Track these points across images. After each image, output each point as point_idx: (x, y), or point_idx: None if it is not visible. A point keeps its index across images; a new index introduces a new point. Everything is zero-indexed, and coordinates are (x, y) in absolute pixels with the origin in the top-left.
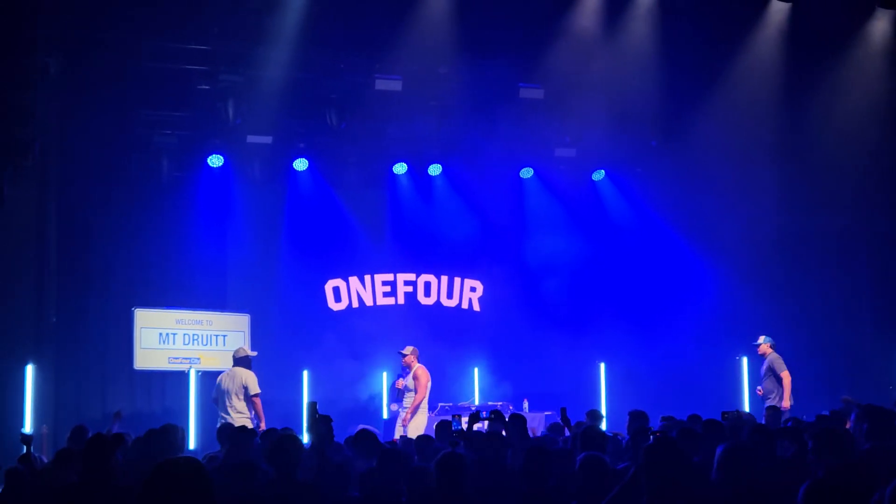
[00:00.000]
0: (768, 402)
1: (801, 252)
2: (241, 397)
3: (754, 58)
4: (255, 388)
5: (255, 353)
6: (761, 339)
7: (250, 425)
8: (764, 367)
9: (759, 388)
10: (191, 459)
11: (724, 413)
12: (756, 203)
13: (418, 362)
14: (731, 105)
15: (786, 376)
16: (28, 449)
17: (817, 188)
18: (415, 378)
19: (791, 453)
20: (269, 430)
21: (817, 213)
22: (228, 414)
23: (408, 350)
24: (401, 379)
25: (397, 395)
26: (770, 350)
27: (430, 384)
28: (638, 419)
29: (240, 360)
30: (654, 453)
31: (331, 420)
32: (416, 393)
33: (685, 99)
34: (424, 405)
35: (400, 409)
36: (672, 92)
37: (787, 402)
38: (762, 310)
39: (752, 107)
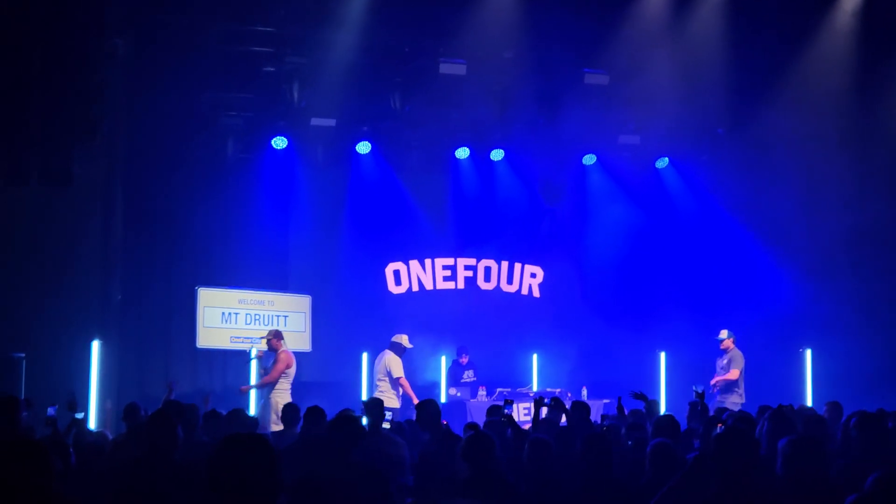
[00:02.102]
0: (722, 397)
1: (871, 245)
2: (385, 379)
3: (825, 46)
4: (397, 372)
5: (411, 346)
6: (724, 333)
7: (393, 404)
8: (725, 360)
9: (715, 380)
10: (257, 435)
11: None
12: (824, 195)
13: (283, 347)
14: (801, 94)
15: (734, 374)
16: (73, 419)
17: (888, 181)
18: (276, 361)
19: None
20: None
21: (889, 206)
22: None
23: (269, 334)
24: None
25: (452, 380)
26: (733, 345)
27: (289, 370)
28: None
29: (393, 346)
30: (725, 442)
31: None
32: (267, 375)
33: (753, 86)
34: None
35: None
36: (740, 79)
37: (739, 398)
38: (828, 303)
39: (823, 96)
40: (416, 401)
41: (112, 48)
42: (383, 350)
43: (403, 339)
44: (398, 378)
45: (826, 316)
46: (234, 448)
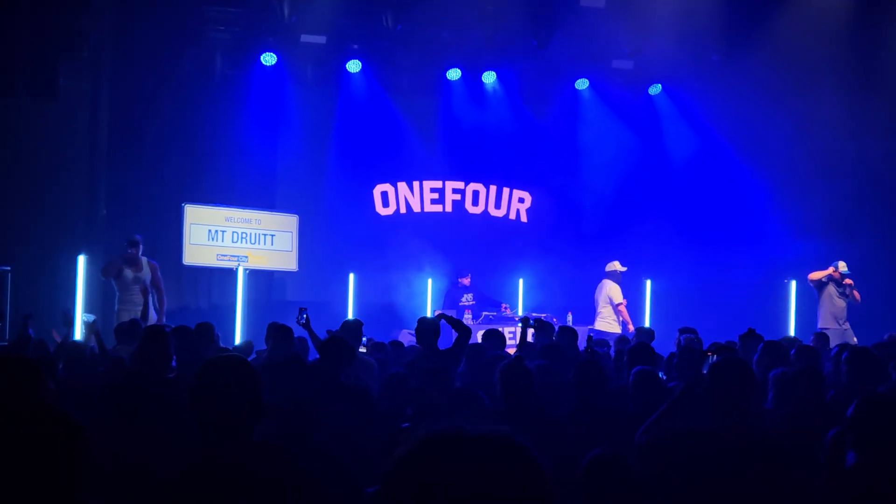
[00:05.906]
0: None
1: (873, 180)
2: (608, 306)
3: None
4: (617, 298)
5: (625, 269)
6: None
7: (614, 330)
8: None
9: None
10: (237, 357)
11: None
12: (823, 127)
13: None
14: (802, 21)
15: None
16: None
17: (890, 112)
18: (160, 276)
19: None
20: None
21: (888, 136)
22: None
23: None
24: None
25: (450, 302)
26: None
27: None
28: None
29: (608, 274)
30: (720, 372)
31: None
32: (161, 291)
33: (749, 12)
34: None
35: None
36: (736, 4)
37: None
38: (818, 234)
39: (825, 24)
40: (631, 327)
41: None
42: (601, 280)
43: (616, 265)
44: (618, 304)
45: (814, 247)
46: (215, 371)
